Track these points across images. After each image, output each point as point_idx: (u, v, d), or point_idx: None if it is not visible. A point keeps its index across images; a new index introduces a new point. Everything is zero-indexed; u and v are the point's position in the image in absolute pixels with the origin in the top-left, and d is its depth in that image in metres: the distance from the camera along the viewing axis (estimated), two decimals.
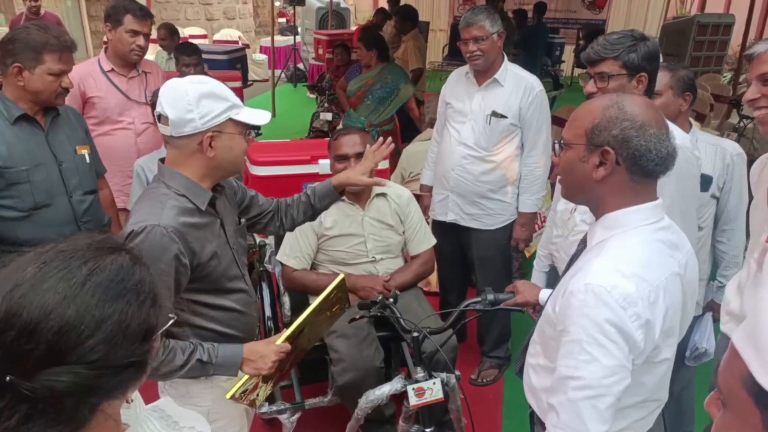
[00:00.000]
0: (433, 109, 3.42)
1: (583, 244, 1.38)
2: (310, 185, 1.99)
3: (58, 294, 0.71)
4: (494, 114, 2.73)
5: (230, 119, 1.51)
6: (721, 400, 0.66)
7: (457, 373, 2.14)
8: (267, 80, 10.05)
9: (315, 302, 1.70)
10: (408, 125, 5.27)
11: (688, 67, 2.60)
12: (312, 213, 1.97)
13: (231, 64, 9.07)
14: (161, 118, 1.49)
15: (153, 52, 5.31)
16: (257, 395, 1.66)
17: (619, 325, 1.14)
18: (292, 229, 2.03)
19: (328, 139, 2.70)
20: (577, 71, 11.08)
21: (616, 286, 1.15)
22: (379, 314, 2.04)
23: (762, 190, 1.74)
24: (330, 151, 2.52)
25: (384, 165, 3.39)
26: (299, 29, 11.92)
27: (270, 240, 2.85)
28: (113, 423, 0.79)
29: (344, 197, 2.51)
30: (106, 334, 0.72)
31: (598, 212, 1.29)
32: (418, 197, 2.83)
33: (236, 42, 11.28)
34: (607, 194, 1.25)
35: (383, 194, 2.58)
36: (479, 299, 1.86)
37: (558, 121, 4.28)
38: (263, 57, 11.58)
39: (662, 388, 1.34)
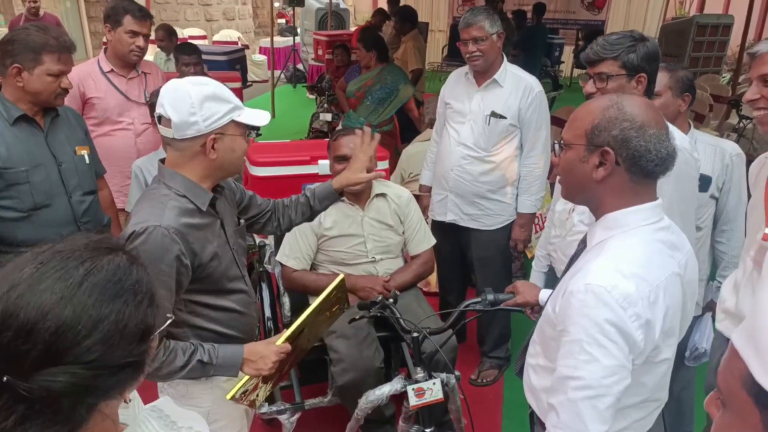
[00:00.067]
0: (433, 109, 3.42)
1: (583, 244, 1.38)
2: (309, 187, 1.99)
3: (55, 294, 0.71)
4: (493, 114, 2.74)
5: (232, 121, 1.51)
6: (720, 400, 0.67)
7: (457, 373, 2.14)
8: (266, 81, 10.05)
9: (315, 302, 1.70)
10: (407, 126, 5.27)
11: (687, 68, 2.60)
12: (311, 214, 1.98)
13: (230, 65, 9.08)
14: (162, 119, 1.48)
15: (151, 53, 5.31)
16: (257, 396, 1.66)
17: (619, 325, 1.14)
18: (288, 230, 2.03)
19: (327, 139, 2.70)
20: (577, 72, 11.09)
21: (616, 286, 1.15)
22: (378, 314, 2.04)
23: (760, 189, 1.74)
24: (329, 152, 2.52)
25: (384, 165, 3.39)
26: (299, 30, 11.93)
27: (270, 240, 2.85)
28: (111, 423, 0.79)
29: (344, 198, 2.51)
30: (103, 335, 0.72)
31: (598, 212, 1.30)
32: (417, 197, 2.83)
33: (236, 43, 11.28)
34: (607, 194, 1.25)
35: (383, 194, 2.58)
36: (479, 299, 1.86)
37: (557, 122, 4.28)
38: (263, 58, 11.58)
39: (662, 388, 1.34)
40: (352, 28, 10.96)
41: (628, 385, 1.17)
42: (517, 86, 2.74)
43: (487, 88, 2.77)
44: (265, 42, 11.82)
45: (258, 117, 1.56)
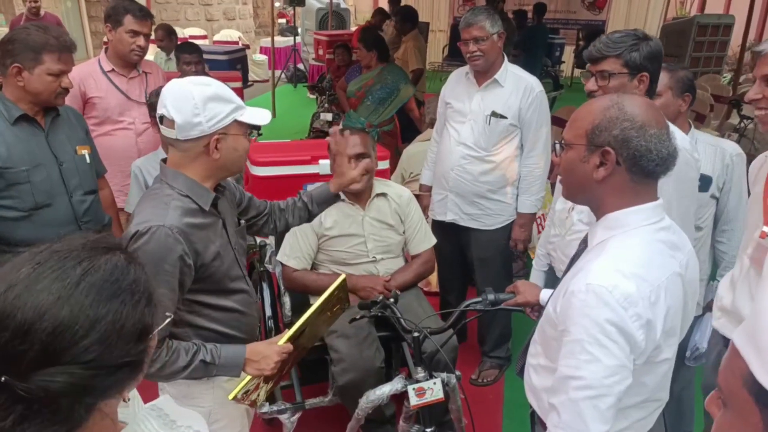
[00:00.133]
0: (434, 109, 3.42)
1: (583, 244, 1.38)
2: (306, 190, 2.01)
3: (52, 294, 0.71)
4: (494, 114, 2.74)
5: (235, 120, 1.51)
6: (721, 399, 0.67)
7: (458, 373, 2.14)
8: (267, 81, 10.05)
9: (317, 303, 1.71)
10: (408, 126, 5.27)
11: (688, 68, 2.60)
12: (308, 218, 2.00)
13: (231, 65, 9.08)
14: (164, 120, 1.48)
15: (152, 53, 5.31)
16: (258, 395, 1.67)
17: (620, 325, 1.14)
18: (284, 232, 2.04)
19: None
20: (577, 72, 11.09)
21: (617, 286, 1.15)
22: (379, 314, 2.04)
23: (759, 187, 1.73)
24: (330, 153, 2.52)
25: (384, 165, 3.40)
26: (299, 30, 11.94)
27: (270, 240, 2.85)
28: (110, 422, 0.79)
29: (344, 197, 2.51)
30: (101, 334, 0.72)
31: (598, 212, 1.30)
32: (417, 197, 2.83)
33: (236, 42, 11.29)
34: (608, 194, 1.25)
35: (383, 194, 2.58)
36: (480, 299, 1.86)
37: (558, 122, 4.28)
38: (263, 57, 11.58)
39: (663, 388, 1.34)
40: (353, 28, 10.96)
41: (629, 385, 1.17)
42: (517, 86, 2.74)
43: (487, 88, 2.77)
44: (265, 42, 11.82)
45: (260, 116, 1.56)
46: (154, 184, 1.59)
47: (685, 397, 2.34)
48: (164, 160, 1.59)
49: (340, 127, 1.99)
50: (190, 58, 4.01)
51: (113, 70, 2.91)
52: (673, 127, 1.33)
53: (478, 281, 3.06)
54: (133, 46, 2.86)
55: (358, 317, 2.06)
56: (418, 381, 1.99)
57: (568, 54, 11.34)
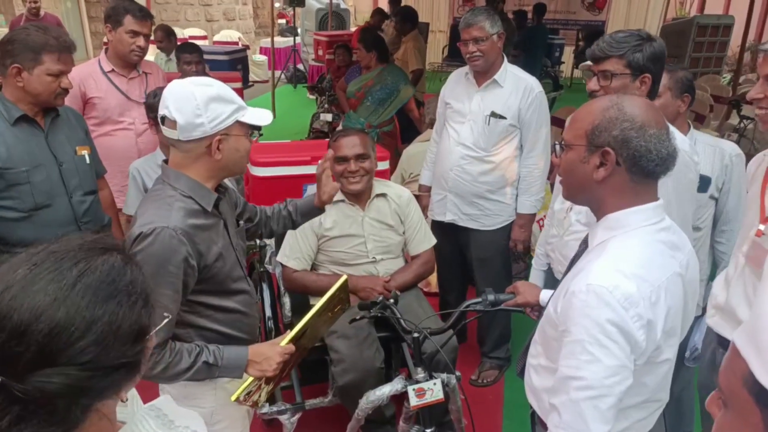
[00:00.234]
0: (433, 110, 3.42)
1: (584, 244, 1.38)
2: (291, 200, 2.03)
3: (49, 296, 0.71)
4: (493, 115, 2.74)
5: (236, 121, 1.51)
6: (722, 399, 0.67)
7: (458, 373, 2.14)
8: (267, 81, 10.06)
9: (319, 303, 1.71)
10: (408, 126, 5.28)
11: (688, 68, 2.60)
12: (292, 226, 2.03)
13: (232, 65, 9.09)
14: (166, 121, 1.48)
15: (152, 54, 5.31)
16: (259, 396, 1.67)
17: (621, 326, 1.14)
18: (269, 237, 2.06)
19: (328, 139, 2.71)
20: (577, 72, 11.09)
21: (617, 286, 1.15)
22: (379, 315, 2.04)
23: (756, 186, 1.73)
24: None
25: (384, 166, 3.40)
26: (299, 30, 11.94)
27: (270, 241, 2.85)
28: (107, 422, 0.78)
29: (344, 198, 2.51)
30: (97, 336, 0.72)
31: (599, 213, 1.30)
32: (416, 197, 2.83)
33: (236, 43, 11.30)
34: (608, 195, 1.25)
35: (383, 194, 2.58)
36: (479, 300, 1.86)
37: (557, 122, 4.28)
38: (263, 58, 11.59)
39: (663, 389, 1.34)
40: (353, 29, 10.97)
41: (629, 386, 1.17)
42: (517, 86, 2.74)
43: (487, 89, 2.77)
44: (265, 42, 11.83)
45: (262, 116, 1.56)
46: (156, 185, 1.59)
47: (685, 398, 2.34)
48: (165, 161, 1.59)
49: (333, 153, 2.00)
50: (191, 58, 4.01)
51: (113, 70, 2.91)
52: (672, 129, 1.33)
53: (478, 282, 3.06)
54: (133, 47, 2.86)
55: (358, 318, 2.06)
56: (418, 381, 1.98)
57: (568, 54, 11.35)
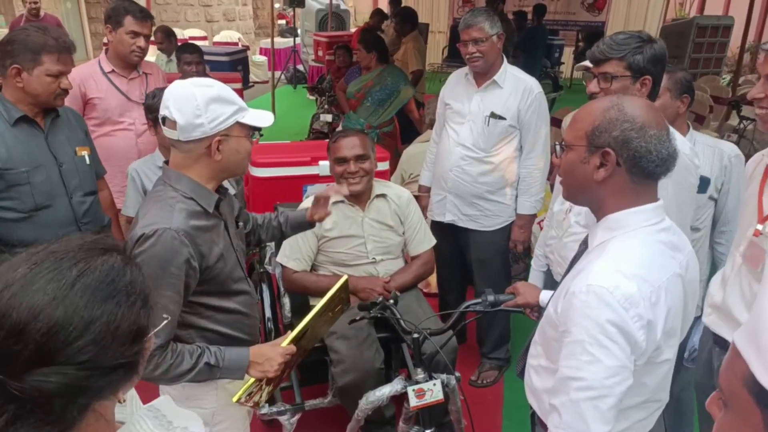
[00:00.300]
0: (433, 110, 3.42)
1: (584, 245, 1.38)
2: (283, 212, 2.06)
3: (48, 295, 0.71)
4: (493, 115, 2.74)
5: (237, 122, 1.51)
6: (722, 400, 0.67)
7: (457, 374, 2.14)
8: (267, 82, 10.06)
9: (320, 303, 1.71)
10: (408, 127, 5.28)
11: (687, 69, 2.60)
12: (280, 237, 2.07)
13: (232, 66, 9.08)
14: (166, 121, 1.48)
15: (153, 55, 5.31)
16: (260, 397, 1.67)
17: (621, 326, 1.14)
18: (257, 246, 2.08)
19: (327, 140, 2.71)
20: (577, 73, 11.09)
21: (617, 287, 1.15)
22: (379, 315, 2.04)
23: (754, 185, 1.73)
24: (329, 154, 2.52)
25: (384, 166, 3.40)
26: (299, 31, 11.94)
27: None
28: (104, 423, 0.78)
29: (344, 199, 2.51)
30: (95, 335, 0.72)
31: (599, 213, 1.30)
32: (416, 198, 2.83)
33: (236, 44, 11.30)
34: (608, 195, 1.26)
35: (383, 195, 2.58)
36: (479, 300, 1.86)
37: (557, 123, 4.28)
38: (263, 59, 11.59)
39: (663, 389, 1.34)
40: (352, 29, 10.97)
41: (629, 386, 1.17)
42: (516, 87, 2.74)
43: (486, 89, 2.77)
44: (265, 43, 11.83)
45: (262, 118, 1.56)
46: (157, 186, 1.59)
47: (685, 398, 2.34)
48: (166, 162, 1.59)
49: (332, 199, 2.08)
50: (191, 58, 4.01)
51: (113, 71, 2.91)
52: (672, 131, 1.33)
53: (477, 282, 3.06)
54: (133, 47, 2.86)
55: (357, 318, 2.06)
56: (417, 382, 1.98)
57: (568, 55, 11.35)
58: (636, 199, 1.24)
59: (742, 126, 5.73)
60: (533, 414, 1.47)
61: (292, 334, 1.62)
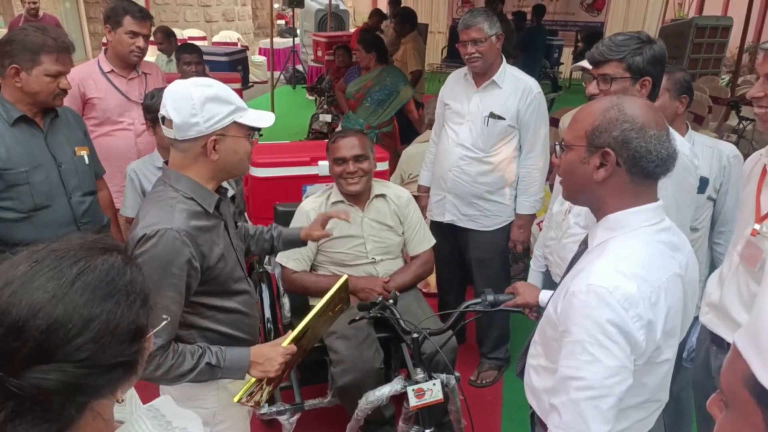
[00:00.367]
0: (433, 110, 3.42)
1: (584, 245, 1.38)
2: (276, 227, 2.07)
3: (47, 293, 0.71)
4: (492, 115, 2.74)
5: (234, 122, 1.51)
6: (723, 400, 0.67)
7: (457, 374, 2.15)
8: (266, 82, 10.05)
9: (320, 303, 1.71)
10: (407, 127, 5.28)
11: (686, 70, 2.60)
12: (270, 251, 2.09)
13: (232, 66, 9.08)
14: (164, 120, 1.48)
15: (152, 56, 5.31)
16: (261, 397, 1.67)
17: (621, 326, 1.14)
18: (245, 257, 2.12)
19: (327, 140, 2.71)
20: (576, 74, 11.10)
21: (617, 286, 1.15)
22: (378, 315, 2.04)
23: (752, 185, 1.73)
24: (328, 154, 2.52)
25: (383, 166, 3.40)
26: (298, 31, 11.94)
27: None
28: (102, 422, 0.78)
29: (343, 199, 2.51)
30: (94, 333, 0.72)
31: (599, 213, 1.30)
32: (416, 198, 2.83)
33: (235, 44, 11.29)
34: (608, 195, 1.26)
35: (382, 195, 2.58)
36: (479, 300, 1.86)
37: (556, 123, 4.28)
38: (262, 59, 11.58)
39: (663, 389, 1.34)
40: (352, 30, 10.97)
41: (629, 386, 1.17)
42: (515, 87, 2.74)
43: (485, 89, 2.77)
44: (264, 43, 11.82)
45: (262, 118, 1.56)
46: (157, 186, 1.59)
47: (684, 398, 2.34)
48: (166, 163, 1.59)
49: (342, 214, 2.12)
50: (191, 58, 4.02)
51: (113, 71, 2.91)
52: (672, 131, 1.33)
53: (477, 282, 3.06)
54: (132, 47, 2.86)
55: (357, 318, 2.06)
56: (417, 382, 1.98)
57: (567, 55, 11.35)
58: (636, 199, 1.24)
59: (741, 126, 5.73)
60: (533, 414, 1.47)
61: (292, 334, 1.62)
